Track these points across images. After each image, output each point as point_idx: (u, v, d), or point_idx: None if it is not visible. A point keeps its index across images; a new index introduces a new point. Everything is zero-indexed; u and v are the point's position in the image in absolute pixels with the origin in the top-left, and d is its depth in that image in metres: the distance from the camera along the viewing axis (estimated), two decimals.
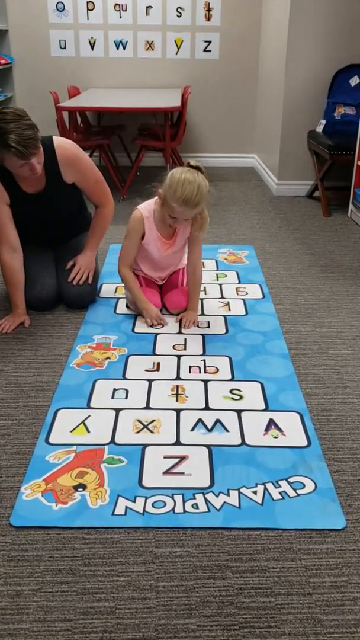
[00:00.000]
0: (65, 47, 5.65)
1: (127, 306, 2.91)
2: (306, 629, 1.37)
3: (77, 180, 2.77)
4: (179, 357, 2.50)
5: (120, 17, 5.56)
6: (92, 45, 5.66)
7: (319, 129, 4.61)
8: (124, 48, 5.67)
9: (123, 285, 2.92)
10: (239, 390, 2.26)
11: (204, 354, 2.53)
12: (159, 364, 2.45)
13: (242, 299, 3.03)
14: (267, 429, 2.04)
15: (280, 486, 1.78)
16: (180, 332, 2.69)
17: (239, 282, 3.24)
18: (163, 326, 2.71)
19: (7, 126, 2.38)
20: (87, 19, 5.56)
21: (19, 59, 5.68)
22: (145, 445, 1.96)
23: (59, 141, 2.69)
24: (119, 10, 5.54)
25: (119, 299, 3.03)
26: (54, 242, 3.03)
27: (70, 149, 2.71)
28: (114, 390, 2.27)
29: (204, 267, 3.13)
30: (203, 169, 2.53)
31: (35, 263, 2.88)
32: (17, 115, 2.43)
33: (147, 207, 2.68)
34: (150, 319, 2.71)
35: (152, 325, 2.71)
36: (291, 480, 1.81)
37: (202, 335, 2.67)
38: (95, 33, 5.61)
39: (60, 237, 3.02)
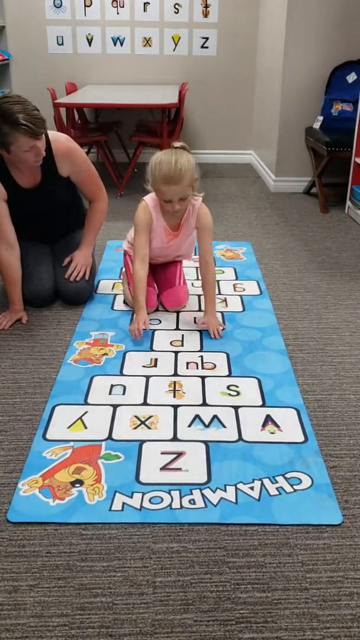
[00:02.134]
0: (62, 44, 5.64)
1: (124, 302, 2.91)
2: (303, 624, 1.38)
3: (72, 173, 2.77)
4: (176, 353, 2.50)
5: (118, 13, 5.54)
6: (90, 42, 5.65)
7: (317, 125, 4.61)
8: (122, 44, 5.66)
9: (121, 281, 2.91)
10: (236, 386, 2.27)
11: (201, 350, 2.53)
12: (156, 360, 2.45)
13: (240, 296, 3.04)
14: (264, 425, 2.05)
15: (277, 482, 1.78)
16: (177, 329, 2.69)
17: (237, 279, 3.24)
18: (139, 337, 2.55)
19: (13, 107, 2.39)
20: (85, 15, 5.55)
21: (16, 55, 5.67)
22: (142, 441, 1.96)
23: (53, 135, 2.70)
24: (117, 7, 5.53)
25: (116, 295, 3.03)
26: (51, 238, 3.02)
27: (65, 142, 2.71)
28: (112, 386, 2.27)
29: None
30: (187, 148, 2.52)
31: (32, 259, 2.87)
32: (21, 98, 2.46)
33: (152, 197, 2.65)
34: (136, 324, 2.56)
35: (133, 332, 2.56)
36: (288, 476, 1.81)
37: (200, 331, 2.67)
38: (93, 29, 5.60)
39: (56, 233, 3.01)
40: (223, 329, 2.66)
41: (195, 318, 2.75)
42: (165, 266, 2.90)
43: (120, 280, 3.18)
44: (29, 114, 2.40)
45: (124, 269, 3.00)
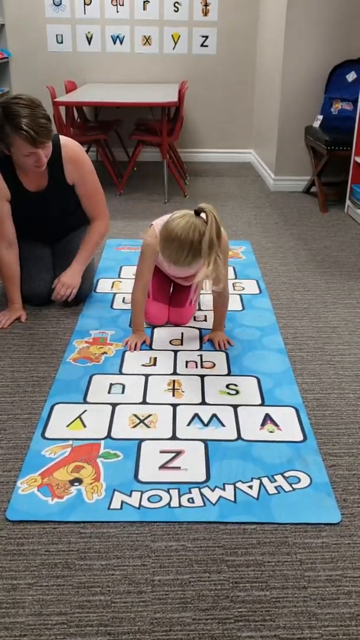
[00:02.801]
0: (62, 42, 5.63)
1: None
2: (301, 622, 1.38)
3: (77, 182, 2.72)
4: (175, 352, 2.50)
5: (117, 11, 5.54)
6: (89, 40, 5.64)
7: (316, 124, 4.61)
8: (121, 43, 5.66)
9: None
10: (236, 385, 2.27)
11: (200, 349, 2.53)
12: (155, 358, 2.45)
13: (239, 294, 3.04)
14: (263, 424, 2.05)
15: (275, 481, 1.79)
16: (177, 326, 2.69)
17: (236, 278, 3.24)
18: (131, 351, 2.50)
19: (20, 110, 2.35)
20: (84, 13, 5.54)
21: (15, 54, 5.66)
22: (141, 440, 1.96)
23: (65, 140, 2.67)
24: (116, 5, 5.52)
25: (115, 294, 3.03)
26: (51, 239, 3.00)
27: (76, 149, 2.69)
28: (111, 385, 2.27)
29: None
30: (210, 213, 2.11)
31: (32, 258, 2.86)
32: (32, 102, 2.41)
33: (162, 224, 2.32)
34: (131, 342, 2.51)
35: (126, 344, 2.52)
36: (287, 474, 1.81)
37: (199, 330, 2.67)
38: (92, 28, 5.60)
39: (57, 235, 2.99)
40: (230, 345, 2.54)
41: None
42: (181, 287, 2.76)
43: (120, 280, 3.19)
44: (35, 121, 2.35)
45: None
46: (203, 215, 2.14)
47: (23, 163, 2.51)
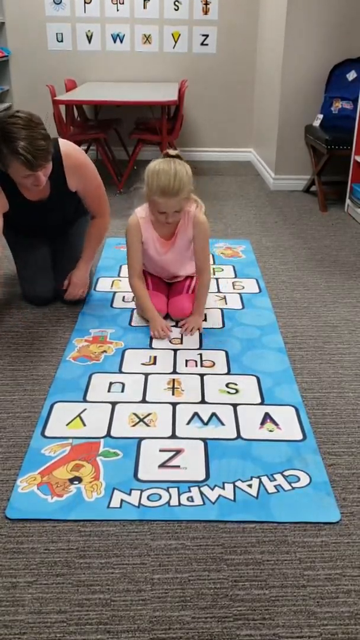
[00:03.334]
0: (62, 41, 5.63)
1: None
2: (300, 621, 1.38)
3: (80, 187, 2.69)
4: (175, 350, 2.50)
5: (118, 10, 5.54)
6: (89, 39, 5.64)
7: (316, 123, 4.61)
8: (121, 41, 5.66)
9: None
10: (235, 384, 2.27)
11: (200, 347, 2.53)
12: (155, 357, 2.45)
13: (239, 293, 3.04)
14: (262, 423, 2.05)
15: (275, 479, 1.79)
16: (176, 326, 2.69)
17: (236, 277, 3.24)
18: (168, 338, 2.58)
19: (19, 132, 2.26)
20: (84, 12, 5.54)
21: (15, 52, 5.66)
22: (141, 439, 1.96)
23: (65, 147, 2.59)
24: (116, 4, 5.52)
25: (115, 292, 3.03)
26: (52, 237, 2.97)
27: (78, 157, 2.63)
28: (110, 383, 2.27)
29: None
30: (181, 157, 2.48)
31: (31, 258, 2.84)
32: (31, 121, 2.31)
33: (142, 208, 2.62)
34: (156, 331, 2.59)
35: (157, 337, 2.58)
36: (286, 473, 1.81)
37: (199, 329, 2.67)
38: (92, 26, 5.59)
39: (57, 232, 2.96)
40: (200, 332, 2.63)
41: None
42: (177, 282, 2.83)
43: (119, 279, 3.19)
44: (32, 143, 2.26)
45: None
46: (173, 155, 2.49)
47: (21, 183, 2.46)
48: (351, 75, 4.51)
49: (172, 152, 2.50)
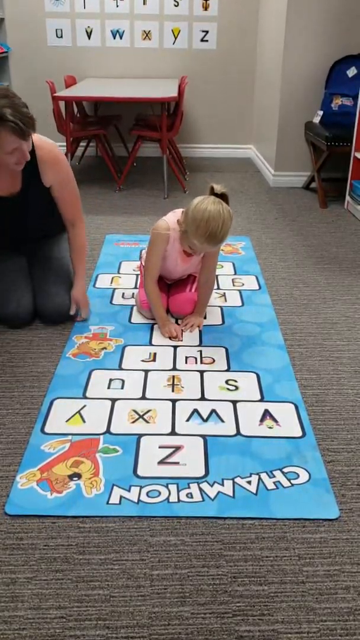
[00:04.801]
0: (61, 36, 5.62)
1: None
2: (299, 617, 1.38)
3: (55, 184, 2.51)
4: (175, 347, 2.50)
5: (117, 6, 5.52)
6: (89, 35, 5.62)
7: (316, 120, 4.60)
8: (121, 37, 5.64)
9: (136, 290, 2.85)
10: (235, 381, 2.27)
11: (200, 344, 2.53)
12: (155, 354, 2.45)
13: (238, 290, 3.04)
14: (262, 420, 2.05)
15: (274, 476, 1.79)
16: (176, 323, 2.69)
17: (235, 273, 3.24)
18: (180, 340, 2.55)
19: (0, 100, 2.09)
20: (84, 7, 5.52)
21: (15, 48, 5.65)
22: (140, 435, 1.96)
23: (39, 139, 2.42)
24: (116, 0, 5.51)
25: (115, 289, 3.03)
26: (27, 247, 2.75)
27: (52, 150, 2.46)
28: (110, 380, 2.27)
29: None
30: (227, 196, 2.37)
31: (8, 278, 2.64)
32: (8, 91, 2.16)
33: (174, 215, 2.53)
34: (169, 331, 2.57)
35: (169, 335, 2.57)
36: (285, 470, 1.82)
37: (199, 326, 2.67)
38: (92, 22, 5.58)
39: (34, 242, 2.75)
40: (200, 330, 2.64)
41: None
42: (180, 280, 2.82)
43: (119, 275, 3.19)
44: (18, 110, 2.11)
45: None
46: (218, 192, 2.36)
47: (4, 163, 2.25)
48: (351, 72, 4.50)
49: (218, 189, 2.36)
